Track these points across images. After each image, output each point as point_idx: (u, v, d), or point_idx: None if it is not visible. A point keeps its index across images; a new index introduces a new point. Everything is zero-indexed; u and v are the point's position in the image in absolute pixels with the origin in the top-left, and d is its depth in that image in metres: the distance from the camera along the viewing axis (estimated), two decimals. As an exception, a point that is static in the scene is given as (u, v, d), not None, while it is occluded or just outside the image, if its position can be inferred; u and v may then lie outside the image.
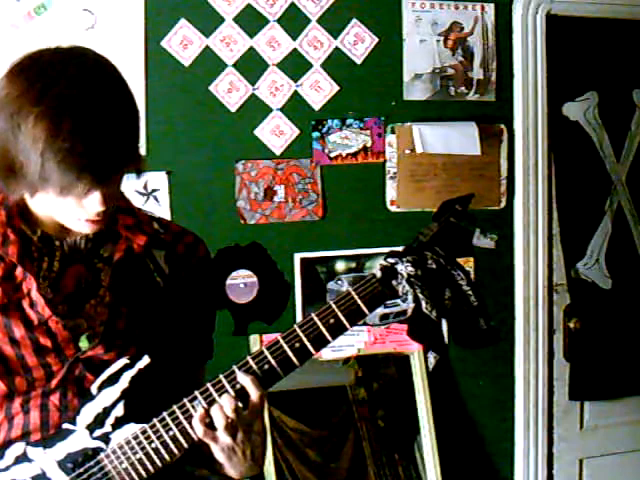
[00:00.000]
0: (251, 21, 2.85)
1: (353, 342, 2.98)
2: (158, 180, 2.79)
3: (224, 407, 1.43)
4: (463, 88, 3.11)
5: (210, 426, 1.43)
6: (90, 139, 1.27)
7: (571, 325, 3.32)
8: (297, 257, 2.96)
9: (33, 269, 1.43)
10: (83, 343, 1.45)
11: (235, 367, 1.46)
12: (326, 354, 2.96)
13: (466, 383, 3.20)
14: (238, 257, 2.91)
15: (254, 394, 1.45)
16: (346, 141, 2.98)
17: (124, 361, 1.44)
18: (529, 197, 3.19)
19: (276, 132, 2.91)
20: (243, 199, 2.90)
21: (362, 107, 2.99)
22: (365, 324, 2.99)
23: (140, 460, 1.43)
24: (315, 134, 2.95)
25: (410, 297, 1.47)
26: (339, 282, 2.99)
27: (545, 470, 3.33)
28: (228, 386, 1.44)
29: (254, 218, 2.91)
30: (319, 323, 1.46)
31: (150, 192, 2.78)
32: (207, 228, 2.84)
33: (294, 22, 2.89)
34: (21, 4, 2.62)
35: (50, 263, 1.46)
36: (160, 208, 2.79)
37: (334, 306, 1.47)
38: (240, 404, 1.44)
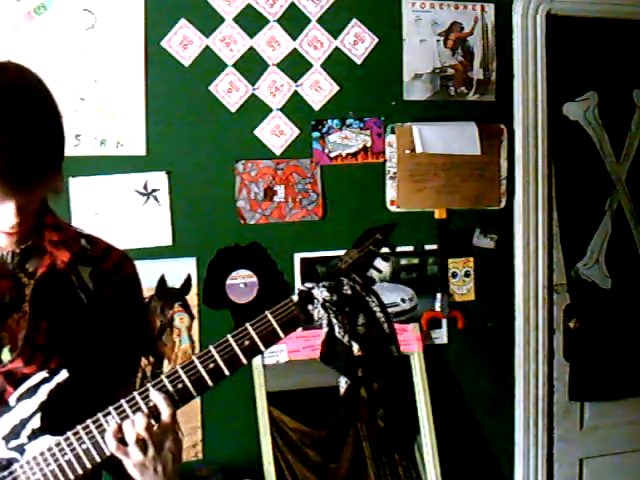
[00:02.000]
0: (251, 21, 2.85)
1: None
2: (158, 180, 2.79)
3: (136, 423, 1.45)
4: (463, 88, 3.11)
5: (122, 441, 1.45)
6: (8, 151, 1.29)
7: (571, 325, 3.32)
8: (297, 257, 2.96)
9: None
10: (4, 356, 1.47)
11: (149, 385, 1.48)
12: (326, 354, 2.96)
13: (466, 383, 3.20)
14: (238, 257, 2.91)
15: (165, 412, 1.46)
16: (346, 141, 2.98)
17: (43, 374, 1.46)
18: (529, 197, 3.19)
19: (276, 132, 2.91)
20: (243, 199, 2.90)
21: (362, 107, 2.99)
22: (365, 324, 2.99)
23: (53, 472, 1.45)
24: (315, 134, 2.95)
25: (324, 322, 1.48)
26: (339, 282, 2.98)
27: (545, 470, 3.33)
28: (142, 403, 1.46)
29: (254, 218, 2.91)
30: (234, 344, 1.48)
31: (150, 192, 2.78)
32: (207, 228, 2.87)
33: (294, 22, 2.89)
34: (21, 4, 2.62)
35: None
36: (160, 208, 2.79)
37: (250, 328, 1.48)
38: (152, 421, 1.46)
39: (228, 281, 2.89)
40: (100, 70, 2.70)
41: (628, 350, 3.41)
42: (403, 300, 3.08)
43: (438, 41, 3.06)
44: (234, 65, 2.85)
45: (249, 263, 2.91)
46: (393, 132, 3.02)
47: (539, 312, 3.25)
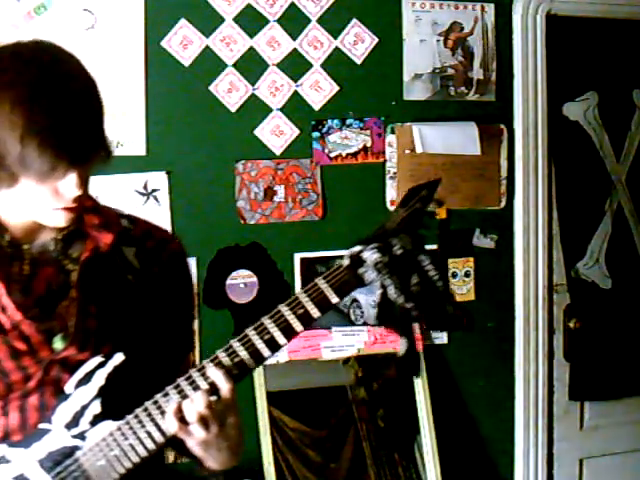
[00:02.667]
0: (251, 21, 2.85)
1: (353, 342, 2.98)
2: (158, 180, 2.79)
3: (195, 401, 1.43)
4: (463, 88, 3.11)
5: (183, 421, 1.43)
6: (65, 121, 1.31)
7: (571, 325, 3.32)
8: (297, 257, 2.96)
9: (2, 274, 1.44)
10: (57, 344, 1.45)
11: (206, 362, 1.46)
12: (326, 354, 2.96)
13: (466, 383, 3.20)
14: (238, 257, 2.91)
15: (224, 387, 1.44)
16: (346, 141, 2.98)
17: (98, 359, 1.45)
18: (529, 197, 3.19)
19: (276, 132, 2.91)
20: (243, 199, 2.90)
21: (362, 107, 2.99)
22: (365, 324, 2.99)
23: (116, 457, 1.43)
24: (315, 134, 2.95)
25: (377, 284, 1.45)
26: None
27: (545, 470, 3.33)
28: (200, 380, 1.44)
29: (254, 218, 2.91)
30: (288, 313, 1.45)
31: (150, 192, 2.78)
32: (207, 228, 2.87)
33: (294, 22, 2.89)
34: (21, 4, 2.62)
35: (20, 267, 1.47)
36: (160, 208, 2.79)
37: (302, 296, 1.46)
38: (212, 398, 1.44)
39: (228, 281, 2.89)
40: (100, 70, 2.69)
41: (628, 350, 3.41)
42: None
43: (438, 41, 3.06)
44: (234, 65, 2.85)
45: (249, 263, 2.91)
46: (393, 132, 3.02)
47: (539, 312, 3.25)
